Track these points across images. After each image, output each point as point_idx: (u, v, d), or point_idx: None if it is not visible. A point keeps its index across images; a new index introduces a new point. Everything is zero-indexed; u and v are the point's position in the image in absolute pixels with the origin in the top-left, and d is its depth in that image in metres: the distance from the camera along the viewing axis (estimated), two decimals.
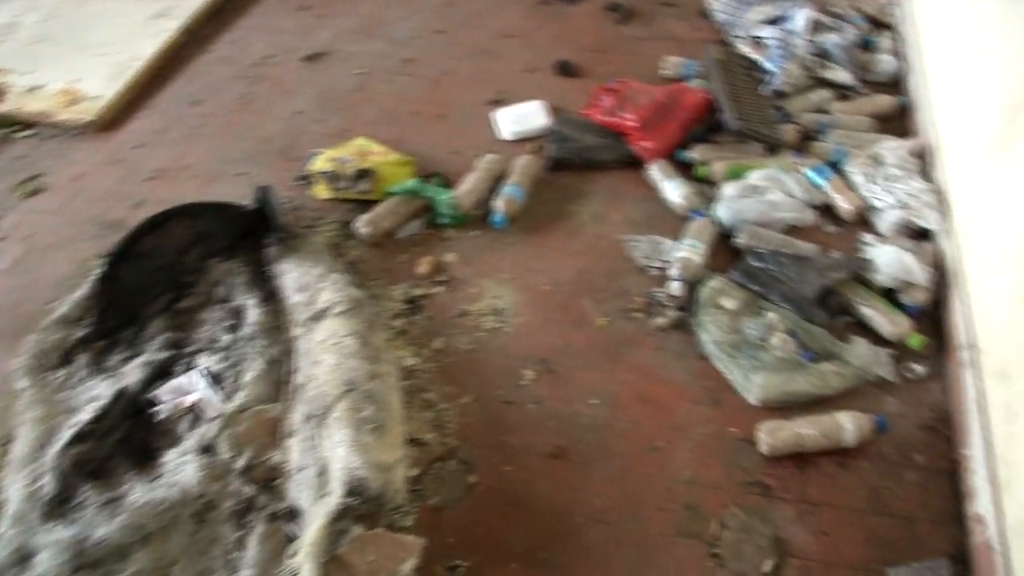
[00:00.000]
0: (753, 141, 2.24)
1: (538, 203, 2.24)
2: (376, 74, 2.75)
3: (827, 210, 2.15)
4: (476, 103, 2.58)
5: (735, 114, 2.19)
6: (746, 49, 2.60)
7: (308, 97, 2.69)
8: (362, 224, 2.17)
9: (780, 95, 2.41)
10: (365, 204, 2.24)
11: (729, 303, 1.91)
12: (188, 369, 1.87)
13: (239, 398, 1.79)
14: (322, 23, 3.04)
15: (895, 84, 2.52)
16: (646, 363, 1.87)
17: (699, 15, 2.87)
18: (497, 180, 2.27)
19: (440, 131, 2.50)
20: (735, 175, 2.18)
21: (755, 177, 2.14)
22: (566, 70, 2.65)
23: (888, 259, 1.91)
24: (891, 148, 2.17)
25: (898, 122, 2.39)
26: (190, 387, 1.82)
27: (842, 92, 2.45)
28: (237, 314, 1.99)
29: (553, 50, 2.75)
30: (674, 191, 2.17)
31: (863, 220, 2.12)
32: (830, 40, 2.53)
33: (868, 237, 2.06)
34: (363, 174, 2.25)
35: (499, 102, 2.57)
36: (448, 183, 2.29)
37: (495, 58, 2.75)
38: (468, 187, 2.22)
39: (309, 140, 2.50)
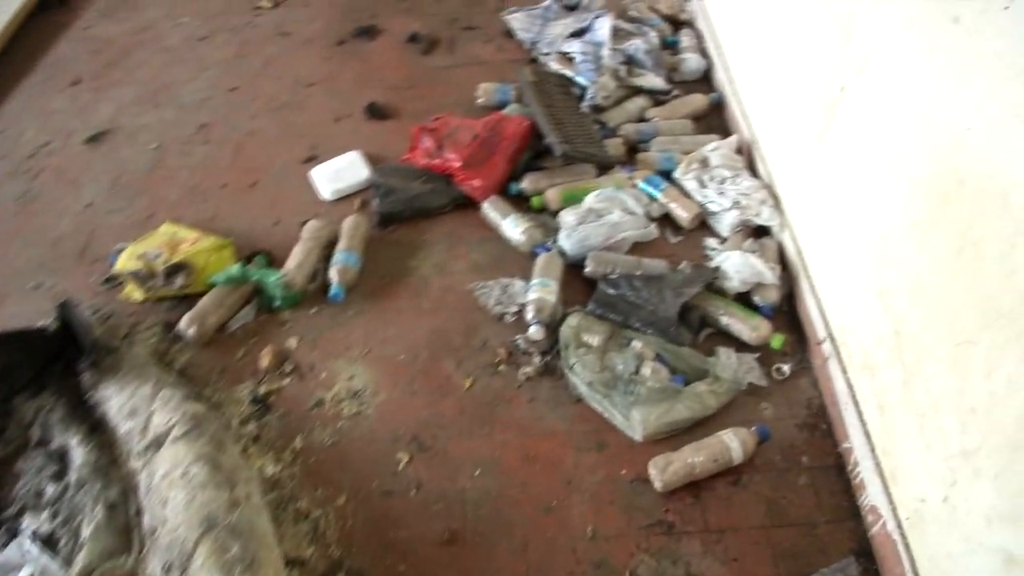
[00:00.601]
0: (582, 163, 2.15)
1: (375, 264, 2.07)
2: (171, 147, 2.47)
3: (668, 220, 2.10)
4: (288, 163, 2.36)
5: (559, 138, 2.11)
6: (556, 66, 2.52)
7: (99, 185, 2.37)
8: (186, 324, 1.92)
9: (598, 109, 2.35)
10: (187, 299, 1.98)
11: (593, 339, 1.82)
12: (12, 537, 1.57)
13: (81, 559, 1.51)
14: (99, 97, 2.70)
15: (705, 80, 2.53)
16: (522, 418, 1.75)
17: (503, 35, 2.78)
18: (327, 248, 2.08)
19: (255, 201, 2.26)
20: (571, 200, 2.10)
21: (591, 200, 2.06)
22: (377, 113, 2.48)
23: (735, 264, 1.88)
24: (714, 149, 2.15)
25: (716, 118, 2.40)
26: (19, 559, 1.52)
27: (656, 97, 2.42)
28: (60, 457, 1.70)
29: (360, 93, 2.57)
30: (513, 228, 2.06)
31: (703, 224, 2.08)
32: (635, 46, 2.50)
33: (711, 241, 2.04)
34: (176, 268, 1.99)
35: (313, 159, 2.36)
36: (274, 260, 2.07)
37: (299, 110, 2.54)
38: (297, 261, 2.02)
39: (108, 235, 2.20)
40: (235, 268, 1.99)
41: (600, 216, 2.04)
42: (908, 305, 1.41)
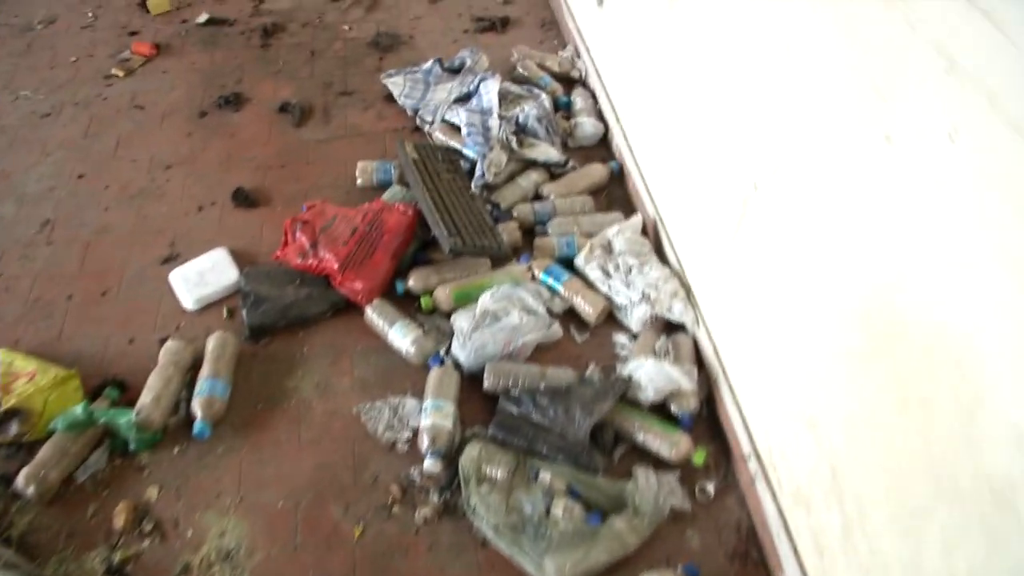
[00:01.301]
0: (475, 256, 1.88)
1: (247, 387, 1.75)
2: (10, 251, 2.08)
3: (572, 315, 1.86)
4: (145, 265, 2.01)
5: (447, 231, 1.83)
6: (441, 137, 2.24)
7: None
8: (24, 482, 1.57)
9: (489, 188, 2.08)
10: (24, 448, 1.63)
11: (496, 471, 1.56)
12: None
13: None
14: None
15: (603, 145, 2.29)
16: (422, 570, 1.48)
17: (383, 100, 2.48)
18: (190, 371, 1.75)
19: (107, 314, 1.91)
20: (464, 299, 1.84)
21: (487, 300, 1.80)
22: (245, 200, 2.15)
23: (649, 373, 1.65)
24: (618, 233, 1.92)
25: (618, 189, 2.19)
26: None
27: (552, 170, 2.16)
28: None
29: (225, 175, 2.23)
30: (401, 338, 1.77)
31: (611, 316, 1.85)
32: (525, 112, 2.24)
33: (621, 337, 1.81)
34: (10, 415, 1.64)
35: (173, 258, 2.02)
36: (128, 390, 1.73)
37: (157, 199, 2.18)
38: (154, 394, 1.68)
39: None
40: (79, 409, 1.65)
41: (497, 318, 1.77)
42: (844, 445, 1.20)
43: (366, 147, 2.31)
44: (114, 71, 2.60)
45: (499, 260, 1.93)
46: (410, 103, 2.38)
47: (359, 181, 2.16)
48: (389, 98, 2.46)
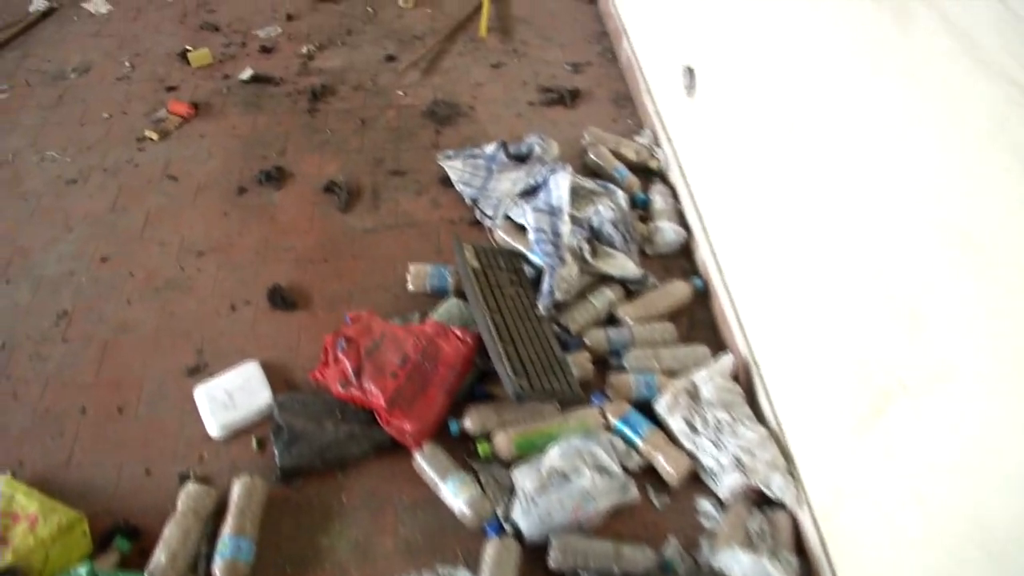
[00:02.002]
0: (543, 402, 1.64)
1: (274, 543, 1.53)
2: (20, 347, 1.87)
3: (651, 472, 1.60)
4: (168, 375, 1.79)
5: (511, 370, 1.59)
6: (504, 236, 2.00)
7: None
8: None
9: (557, 307, 1.83)
10: None
11: None
12: None
13: None
14: None
15: (685, 255, 2.04)
16: None
17: (439, 183, 2.24)
18: (210, 521, 1.52)
19: (123, 435, 1.69)
20: (528, 448, 1.61)
21: (555, 457, 1.56)
22: (282, 301, 1.92)
23: (744, 570, 1.39)
24: (706, 379, 1.66)
25: (702, 308, 1.92)
26: None
27: (628, 286, 1.91)
28: None
29: (262, 267, 2.01)
30: (454, 496, 1.54)
31: (695, 476, 1.60)
32: (599, 214, 2.00)
33: (706, 505, 1.57)
34: (6, 574, 1.42)
35: (200, 369, 1.80)
36: (141, 537, 1.51)
37: (186, 292, 1.96)
38: (169, 552, 1.47)
39: None
40: (83, 572, 1.42)
41: (566, 479, 1.53)
42: None
43: (418, 241, 2.07)
44: (148, 133, 2.39)
45: (569, 402, 1.67)
46: (469, 192, 2.14)
47: (411, 286, 1.92)
48: (445, 181, 2.22)
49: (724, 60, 1.78)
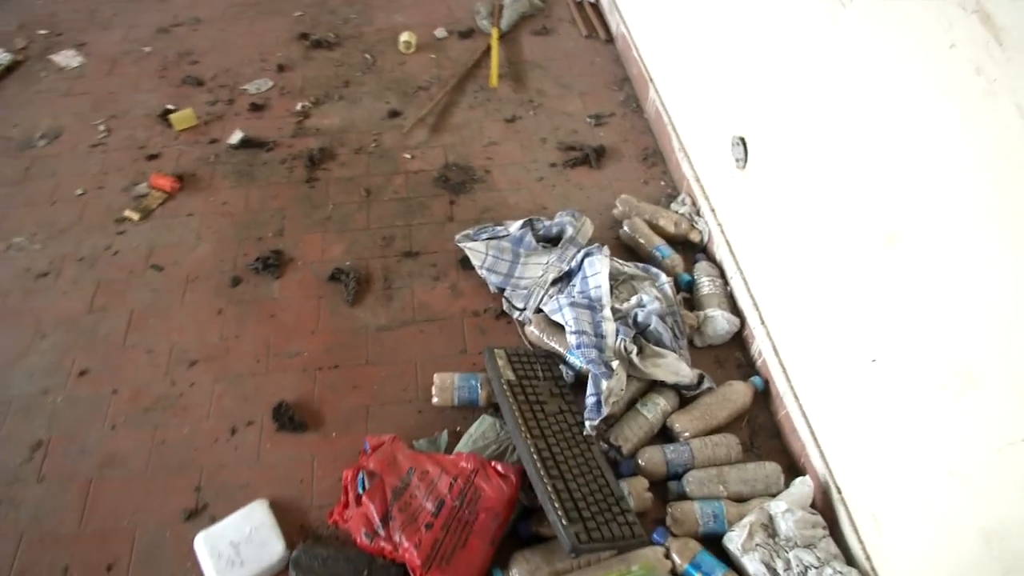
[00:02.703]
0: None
1: None
2: None
3: None
4: (163, 521, 1.57)
5: (565, 516, 1.39)
6: (537, 334, 1.79)
7: None
8: None
9: (606, 423, 1.62)
10: None
11: None
12: None
13: None
14: None
15: (737, 342, 1.83)
16: None
17: (457, 266, 2.01)
18: None
19: None
20: None
21: None
22: (290, 421, 1.69)
23: None
24: (782, 509, 1.45)
25: (763, 410, 1.73)
26: None
27: (680, 391, 1.69)
28: None
29: (265, 377, 1.79)
30: None
31: None
32: (644, 306, 1.78)
33: None
34: None
35: (199, 511, 1.57)
36: None
37: (179, 414, 1.73)
38: None
39: None
40: None
41: None
42: None
43: (440, 339, 1.84)
44: (128, 213, 2.15)
45: (631, 546, 1.46)
46: (495, 279, 1.91)
47: (436, 400, 1.70)
48: (464, 262, 2.00)
49: (782, 127, 1.56)
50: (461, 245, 1.99)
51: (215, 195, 2.21)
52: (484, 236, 2.00)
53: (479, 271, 1.94)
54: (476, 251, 1.96)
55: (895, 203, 1.20)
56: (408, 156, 2.32)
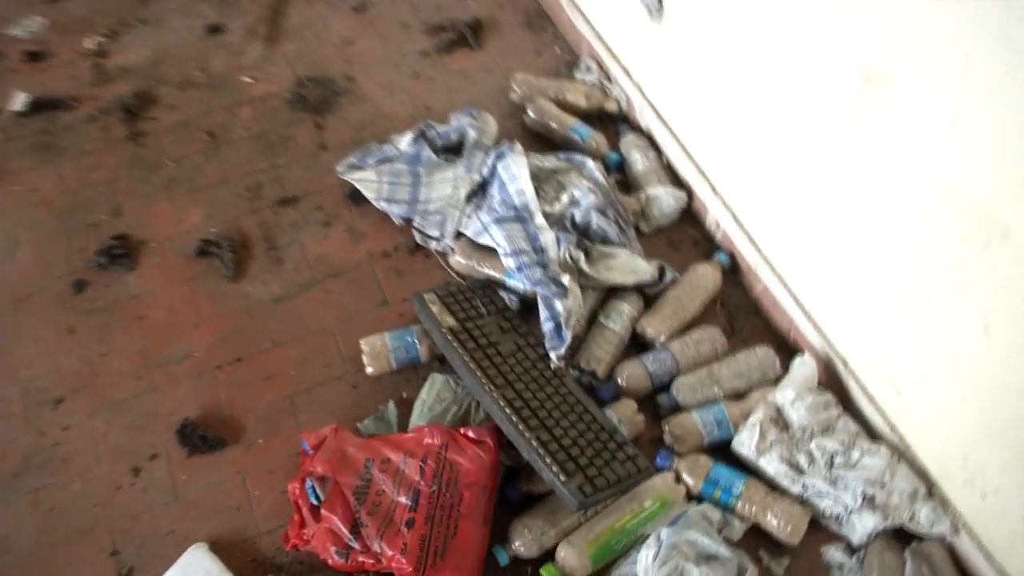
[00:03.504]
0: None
1: None
2: None
3: (758, 532, 1.38)
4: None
5: (563, 472, 1.31)
6: (463, 262, 1.65)
7: None
8: None
9: (571, 348, 1.51)
10: None
11: None
12: None
13: None
14: None
15: (689, 219, 1.76)
16: None
17: (348, 203, 1.82)
18: None
19: None
20: (607, 556, 1.34)
21: (648, 567, 1.28)
22: (201, 441, 1.52)
23: None
24: (789, 398, 1.42)
25: (736, 289, 1.68)
26: None
27: (643, 290, 1.61)
28: None
29: (152, 396, 1.59)
30: None
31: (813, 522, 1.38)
32: (579, 203, 1.67)
33: (835, 554, 1.37)
34: None
35: None
36: None
37: (60, 467, 1.51)
38: None
39: None
40: None
41: None
42: None
43: (352, 295, 1.68)
44: None
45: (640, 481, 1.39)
46: (398, 210, 1.73)
47: (370, 369, 1.55)
48: (355, 195, 1.80)
49: None
50: (346, 177, 1.79)
51: (16, 183, 1.88)
52: (372, 161, 1.80)
53: (376, 204, 1.76)
54: (367, 181, 1.76)
55: (880, 25, 1.08)
56: (248, 80, 2.04)
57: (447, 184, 1.75)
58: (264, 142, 1.93)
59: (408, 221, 1.74)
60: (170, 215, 1.81)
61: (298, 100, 1.99)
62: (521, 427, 1.35)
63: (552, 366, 1.49)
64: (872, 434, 1.42)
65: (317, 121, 1.96)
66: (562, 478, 1.30)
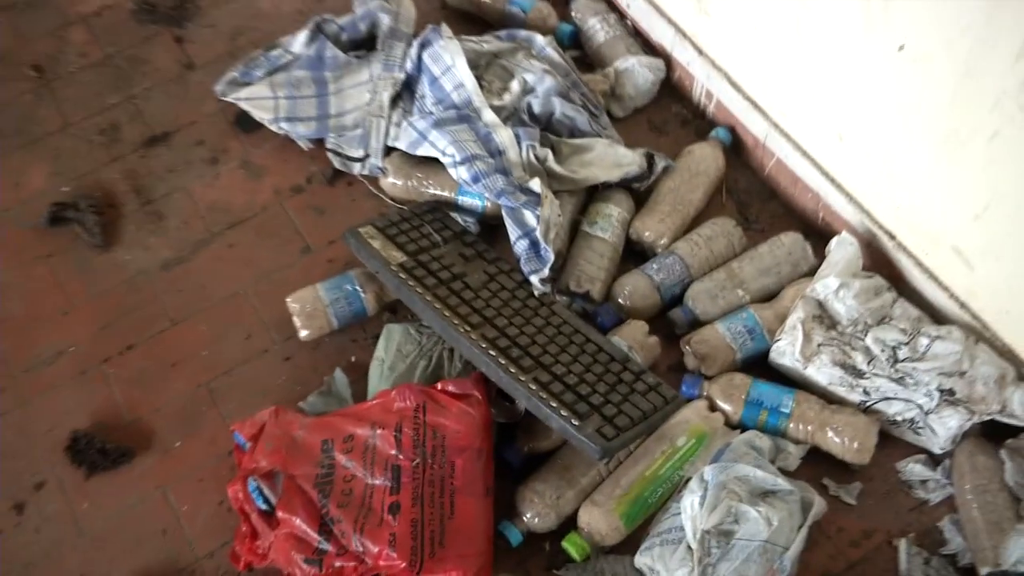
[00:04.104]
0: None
1: None
2: None
3: (819, 456, 1.42)
4: None
5: (576, 416, 1.30)
6: (398, 183, 1.65)
7: None
8: None
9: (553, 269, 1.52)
10: None
11: None
12: None
13: None
14: None
15: (669, 91, 1.80)
16: None
17: (238, 130, 1.80)
18: None
19: None
20: (641, 513, 1.37)
21: (695, 514, 1.31)
22: (99, 454, 1.49)
23: None
24: (831, 288, 1.45)
25: (744, 173, 1.73)
26: None
27: (631, 187, 1.64)
28: None
29: (23, 411, 1.53)
30: None
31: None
32: (532, 89, 1.68)
33: (919, 469, 1.41)
34: None
35: None
36: None
37: None
38: None
39: None
40: None
41: (726, 537, 1.30)
42: None
43: (264, 246, 1.65)
44: None
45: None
46: (304, 130, 1.70)
47: (304, 332, 1.52)
48: (245, 121, 1.77)
49: None
50: (230, 98, 1.75)
51: None
52: (260, 73, 1.77)
53: (274, 126, 1.72)
54: (258, 99, 1.73)
55: None
56: None
57: (363, 88, 1.73)
58: (111, 70, 1.88)
59: (320, 142, 1.72)
60: (3, 180, 1.75)
61: (145, 10, 1.94)
62: (513, 370, 1.34)
63: (536, 293, 1.48)
64: (938, 317, 1.45)
65: (176, 34, 1.92)
66: (575, 422, 1.29)
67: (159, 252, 1.66)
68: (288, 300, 1.53)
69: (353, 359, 1.53)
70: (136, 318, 1.60)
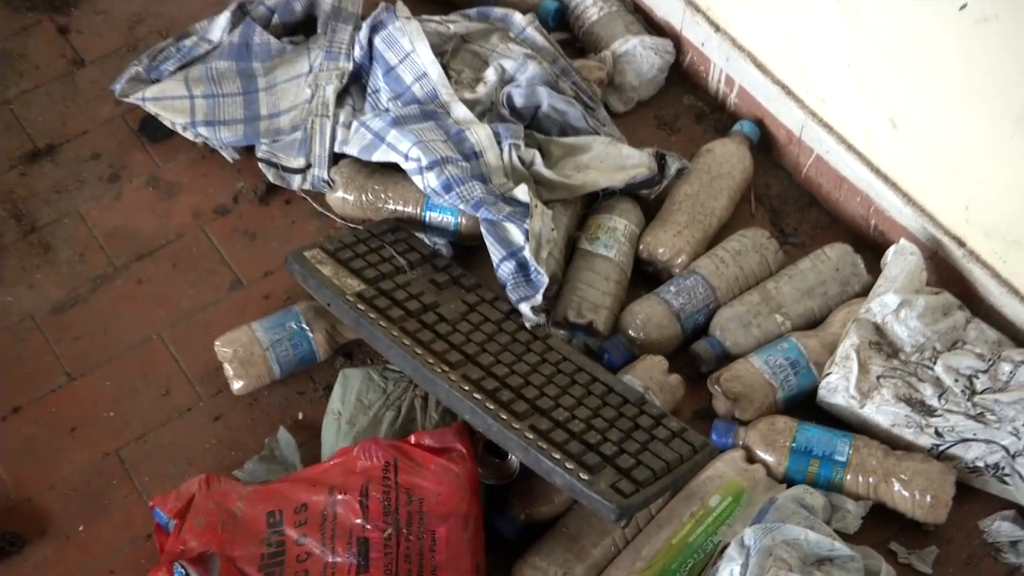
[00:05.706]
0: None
1: None
2: None
3: (883, 515, 1.52)
4: None
5: (586, 470, 1.41)
6: (348, 197, 1.77)
7: None
8: None
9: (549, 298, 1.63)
10: None
11: None
12: None
13: None
14: None
15: (680, 80, 1.93)
16: None
17: (142, 139, 1.93)
18: None
19: None
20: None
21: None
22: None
23: None
24: (890, 306, 1.56)
25: (776, 174, 1.85)
26: None
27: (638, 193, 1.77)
28: None
29: None
30: None
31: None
32: (512, 78, 1.82)
33: (1004, 526, 1.52)
34: None
35: None
36: None
37: None
38: None
39: None
40: None
41: None
42: None
43: (182, 280, 1.79)
44: None
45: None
46: (229, 136, 1.83)
47: (238, 384, 1.63)
48: (153, 128, 1.87)
49: None
50: (132, 99, 1.88)
51: None
52: (170, 66, 1.90)
53: (189, 133, 1.84)
54: (169, 99, 1.86)
55: None
56: None
57: (302, 82, 1.86)
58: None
59: (250, 151, 1.84)
60: None
61: None
62: (505, 416, 1.44)
63: (528, 325, 1.59)
64: (1021, 339, 1.57)
65: (59, 23, 2.05)
66: (584, 476, 1.39)
67: (48, 291, 1.76)
68: (217, 344, 1.63)
69: (301, 416, 1.63)
70: (21, 374, 1.69)
